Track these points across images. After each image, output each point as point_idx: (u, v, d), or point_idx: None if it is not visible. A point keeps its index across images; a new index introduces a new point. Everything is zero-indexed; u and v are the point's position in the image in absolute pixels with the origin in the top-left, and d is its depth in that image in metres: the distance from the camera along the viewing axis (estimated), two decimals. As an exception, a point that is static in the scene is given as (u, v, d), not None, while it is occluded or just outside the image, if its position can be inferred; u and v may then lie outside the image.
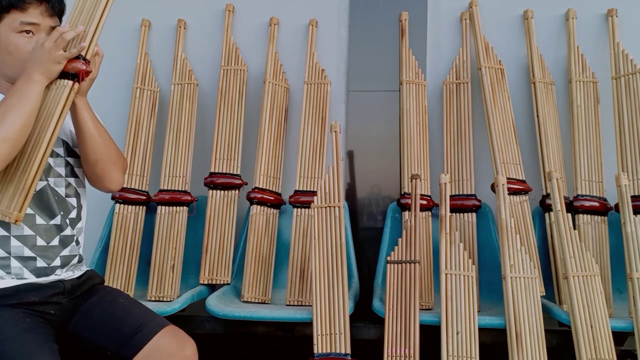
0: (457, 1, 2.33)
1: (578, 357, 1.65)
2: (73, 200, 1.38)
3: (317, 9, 2.37)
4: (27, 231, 1.28)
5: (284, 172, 2.24)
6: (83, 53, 1.26)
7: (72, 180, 1.38)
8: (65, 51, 1.22)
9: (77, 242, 1.39)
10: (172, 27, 2.39)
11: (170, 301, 1.99)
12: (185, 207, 2.16)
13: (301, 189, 2.15)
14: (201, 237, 2.12)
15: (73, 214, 1.38)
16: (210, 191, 2.15)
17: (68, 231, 1.35)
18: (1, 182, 1.21)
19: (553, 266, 2.01)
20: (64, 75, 1.24)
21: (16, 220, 1.19)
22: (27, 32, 1.28)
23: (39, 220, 1.30)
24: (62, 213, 1.34)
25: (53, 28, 1.29)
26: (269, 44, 2.32)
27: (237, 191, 2.17)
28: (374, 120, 2.31)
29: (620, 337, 1.78)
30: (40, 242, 1.30)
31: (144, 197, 2.19)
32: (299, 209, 2.12)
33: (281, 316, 1.81)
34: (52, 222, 1.32)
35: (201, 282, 2.08)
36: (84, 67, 1.25)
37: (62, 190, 1.35)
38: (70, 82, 1.24)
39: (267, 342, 2.29)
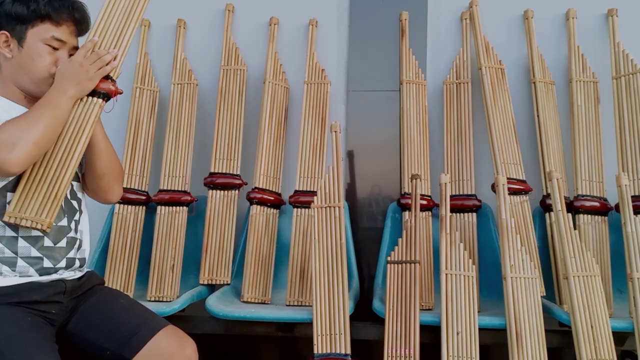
0: (458, 1, 2.33)
1: (578, 357, 1.65)
2: (76, 204, 1.40)
3: (317, 9, 2.37)
4: (35, 232, 1.30)
5: (284, 172, 2.24)
6: (112, 74, 1.35)
7: (75, 184, 1.40)
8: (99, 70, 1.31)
9: (81, 245, 1.40)
10: (172, 27, 2.39)
11: (170, 301, 1.99)
12: (185, 207, 2.16)
13: (301, 189, 2.15)
14: (201, 237, 2.12)
15: (77, 216, 1.39)
16: (210, 191, 2.15)
17: (73, 233, 1.37)
18: (28, 192, 1.27)
19: (553, 266, 2.01)
20: (93, 93, 1.33)
21: (47, 227, 1.26)
22: (52, 46, 1.32)
23: None
24: (68, 215, 1.35)
25: (75, 48, 1.36)
26: (268, 43, 2.32)
27: (237, 191, 2.17)
28: (374, 120, 2.31)
29: (621, 337, 1.78)
30: (48, 242, 1.31)
31: (143, 197, 2.19)
32: (299, 209, 2.12)
33: (281, 316, 1.81)
34: (60, 223, 1.34)
35: (201, 282, 2.08)
36: (114, 87, 1.35)
37: (67, 193, 1.36)
38: (100, 101, 1.34)
39: (267, 342, 2.29)
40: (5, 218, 1.25)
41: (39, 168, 1.29)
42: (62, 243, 1.34)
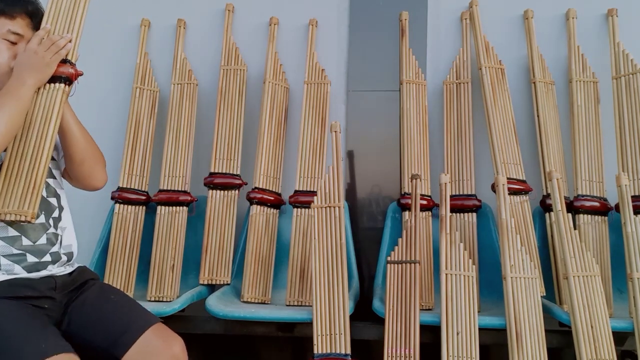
0: (458, 1, 2.33)
1: (578, 357, 1.64)
2: (54, 201, 1.40)
3: (317, 9, 2.37)
4: (12, 232, 1.30)
5: (284, 172, 2.24)
6: (70, 57, 1.36)
7: (50, 181, 1.41)
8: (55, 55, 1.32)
9: (64, 241, 1.40)
10: (172, 27, 2.39)
11: (170, 301, 1.99)
12: (185, 207, 2.16)
13: (301, 189, 2.15)
14: (201, 237, 2.12)
15: (55, 214, 1.39)
16: (210, 191, 2.15)
17: (53, 229, 1.37)
18: (8, 187, 1.28)
19: (553, 266, 2.01)
20: (54, 79, 1.34)
21: (32, 218, 1.26)
22: (10, 41, 1.33)
23: None
24: (44, 213, 1.36)
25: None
26: (268, 43, 2.32)
27: (237, 191, 2.17)
28: (374, 120, 2.31)
29: (621, 337, 1.78)
30: (27, 241, 1.32)
31: (143, 197, 2.19)
32: (299, 209, 2.12)
33: (281, 316, 1.80)
34: (38, 221, 1.34)
35: (201, 282, 2.08)
36: (74, 70, 1.36)
37: (43, 191, 1.36)
38: (63, 85, 1.35)
39: (267, 342, 2.29)
40: None
41: (14, 162, 1.30)
42: (42, 240, 1.34)
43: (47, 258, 1.33)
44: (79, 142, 1.40)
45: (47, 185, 1.39)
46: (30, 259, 1.30)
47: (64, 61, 1.35)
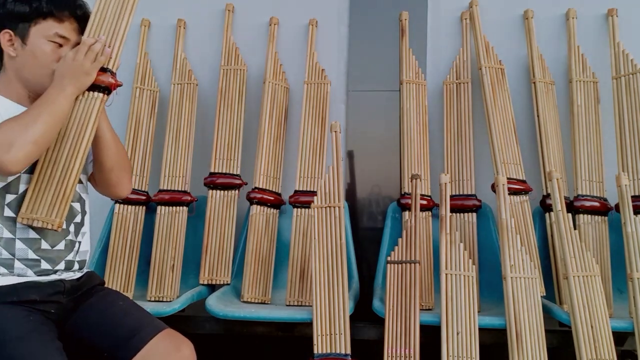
0: (458, 1, 2.33)
1: (578, 357, 1.64)
2: (77, 206, 1.39)
3: (317, 9, 2.37)
4: (32, 234, 1.30)
5: (284, 172, 2.24)
6: (110, 66, 1.33)
7: (78, 185, 1.39)
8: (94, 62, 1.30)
9: (80, 248, 1.40)
10: (172, 27, 2.39)
11: (170, 301, 1.99)
12: (185, 207, 2.16)
13: (301, 189, 2.15)
14: (201, 237, 2.12)
15: (78, 219, 1.39)
16: (210, 191, 2.15)
17: (72, 236, 1.36)
18: (38, 193, 1.28)
19: (553, 266, 2.01)
20: (93, 87, 1.32)
21: (58, 227, 1.27)
22: (57, 43, 1.32)
23: None
24: (67, 218, 1.34)
25: (78, 45, 1.34)
26: (269, 43, 2.32)
27: (237, 191, 2.17)
28: (374, 120, 2.31)
29: (621, 337, 1.78)
30: (45, 245, 1.31)
31: (143, 197, 2.19)
32: (299, 209, 2.11)
33: (281, 316, 1.80)
34: None
35: (201, 282, 2.08)
36: (113, 80, 1.33)
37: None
38: (101, 95, 1.33)
39: (267, 342, 2.29)
40: (19, 219, 1.27)
41: (46, 168, 1.29)
42: (60, 246, 1.33)
43: (61, 266, 1.33)
44: (110, 150, 1.39)
45: None
46: (44, 265, 1.30)
47: (104, 70, 1.32)
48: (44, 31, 1.31)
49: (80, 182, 1.40)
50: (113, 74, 1.34)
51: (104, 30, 1.35)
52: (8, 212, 1.27)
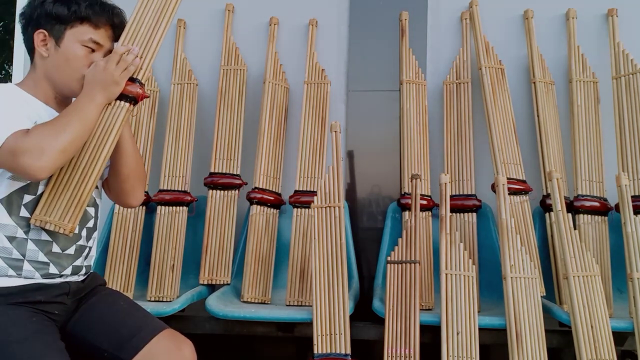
0: (458, 1, 2.33)
1: (578, 357, 1.65)
2: (92, 210, 1.39)
3: (317, 9, 2.37)
4: (45, 236, 1.30)
5: (284, 172, 2.24)
6: (140, 77, 1.32)
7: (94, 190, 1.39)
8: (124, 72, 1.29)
9: (89, 253, 1.40)
10: (172, 27, 2.39)
11: (170, 301, 1.99)
12: (185, 207, 2.16)
13: (301, 189, 2.15)
14: (201, 237, 2.12)
15: (90, 224, 1.39)
16: (210, 191, 2.15)
17: (83, 241, 1.37)
18: (54, 196, 1.27)
19: (553, 266, 2.01)
20: (121, 96, 1.30)
21: (70, 232, 1.26)
22: (90, 49, 1.32)
23: None
24: (80, 223, 1.34)
25: (109, 52, 1.34)
26: (269, 43, 2.32)
27: (237, 191, 2.17)
28: (374, 120, 2.31)
29: (621, 337, 1.78)
30: (56, 248, 1.31)
31: (143, 197, 2.18)
32: (299, 209, 2.11)
33: (281, 316, 1.80)
34: None
35: (201, 282, 2.08)
36: (141, 91, 1.32)
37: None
38: (127, 104, 1.31)
39: (267, 342, 2.29)
40: (32, 221, 1.26)
41: (65, 172, 1.28)
42: (70, 250, 1.33)
43: (68, 271, 1.33)
44: (128, 159, 1.39)
45: None
46: (52, 269, 1.30)
47: (133, 80, 1.31)
48: (79, 35, 1.31)
49: (95, 187, 1.40)
50: (142, 85, 1.33)
51: (138, 41, 1.35)
52: (24, 213, 1.27)
